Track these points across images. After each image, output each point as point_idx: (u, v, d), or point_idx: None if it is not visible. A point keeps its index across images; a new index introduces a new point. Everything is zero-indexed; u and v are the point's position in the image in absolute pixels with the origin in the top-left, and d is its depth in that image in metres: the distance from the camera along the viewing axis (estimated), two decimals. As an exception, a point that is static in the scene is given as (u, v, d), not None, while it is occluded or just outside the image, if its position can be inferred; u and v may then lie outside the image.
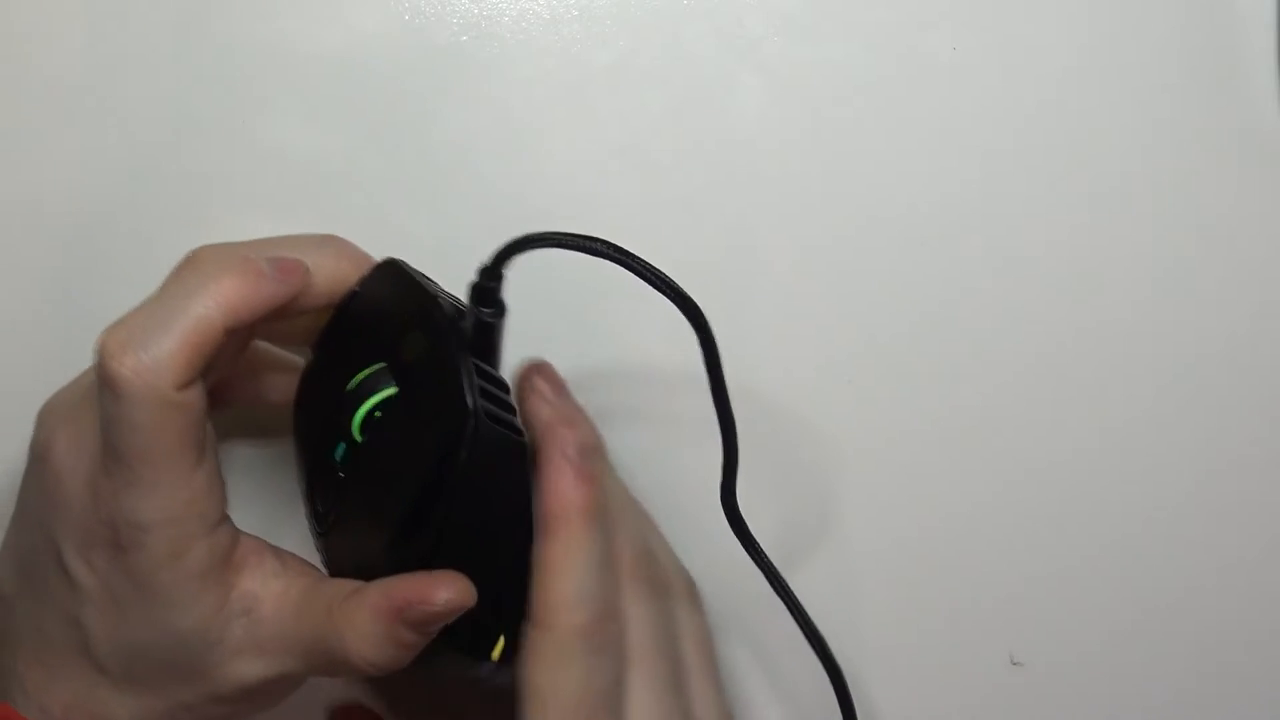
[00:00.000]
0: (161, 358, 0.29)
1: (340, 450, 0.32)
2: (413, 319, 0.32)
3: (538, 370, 0.33)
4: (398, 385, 0.31)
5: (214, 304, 0.30)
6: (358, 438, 0.31)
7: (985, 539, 0.39)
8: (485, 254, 0.38)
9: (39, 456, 0.32)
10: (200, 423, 0.30)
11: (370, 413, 0.31)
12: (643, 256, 0.31)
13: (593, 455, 0.32)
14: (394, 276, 0.33)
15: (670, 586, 0.34)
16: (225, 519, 0.32)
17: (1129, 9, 0.39)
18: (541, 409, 0.33)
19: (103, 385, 0.30)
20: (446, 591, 0.30)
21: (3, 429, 0.36)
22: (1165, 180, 0.39)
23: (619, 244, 0.31)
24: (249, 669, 0.31)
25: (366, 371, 0.32)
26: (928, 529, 0.39)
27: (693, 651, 0.34)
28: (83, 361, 0.33)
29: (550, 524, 0.31)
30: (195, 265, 0.31)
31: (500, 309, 0.32)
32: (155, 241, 0.39)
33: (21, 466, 0.33)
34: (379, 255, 0.39)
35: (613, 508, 0.33)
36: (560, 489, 0.31)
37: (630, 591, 0.32)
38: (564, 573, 0.31)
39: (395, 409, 0.31)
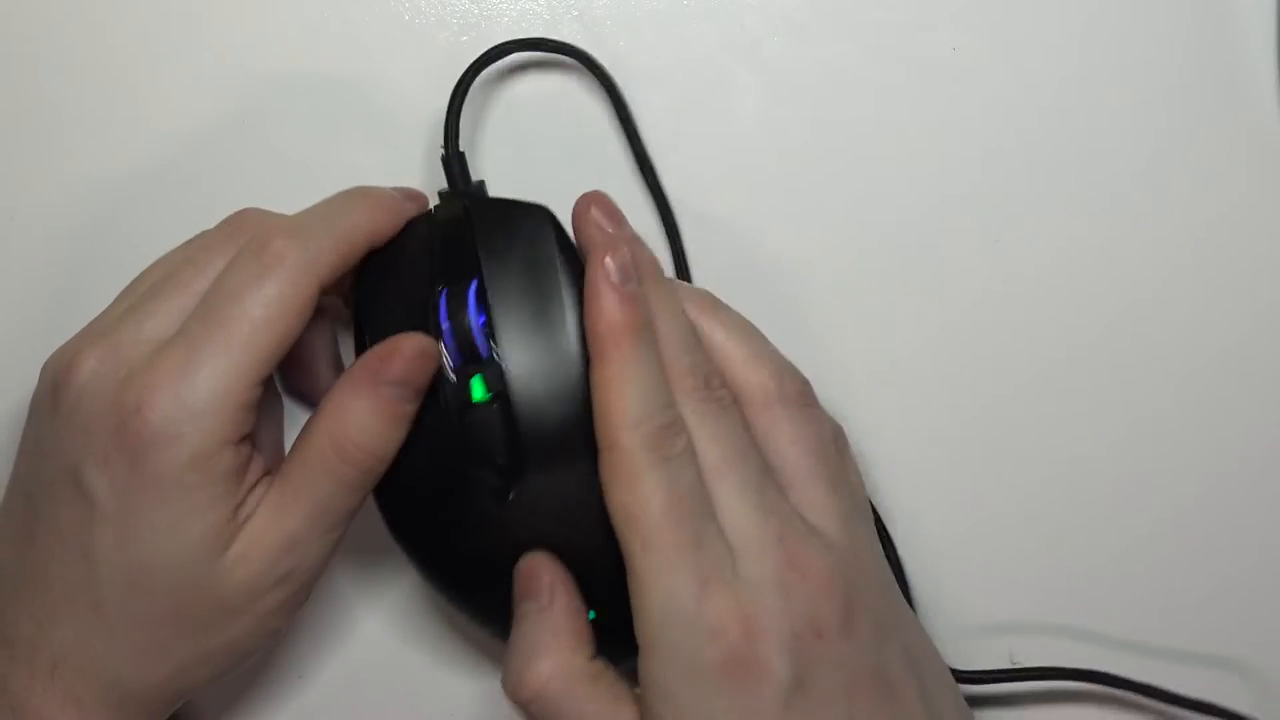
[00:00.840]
0: (323, 254, 0.32)
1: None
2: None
3: (593, 201, 0.34)
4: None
5: (364, 218, 0.33)
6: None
7: (985, 538, 0.39)
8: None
9: (59, 383, 0.32)
10: (295, 335, 0.32)
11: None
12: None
13: (634, 275, 0.32)
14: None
15: (746, 393, 0.33)
16: (250, 436, 0.32)
17: (1129, 9, 0.39)
18: (594, 235, 0.33)
19: (257, 258, 0.31)
20: (409, 341, 0.31)
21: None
22: (1166, 180, 0.39)
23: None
24: (254, 570, 0.31)
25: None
26: (927, 529, 0.39)
27: (795, 455, 0.33)
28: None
29: (597, 347, 0.32)
30: (339, 196, 0.34)
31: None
32: (156, 242, 0.39)
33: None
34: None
35: (666, 328, 0.33)
36: (600, 310, 0.32)
37: (691, 406, 0.32)
38: (616, 391, 0.31)
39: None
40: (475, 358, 0.32)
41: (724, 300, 0.34)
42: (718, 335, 0.34)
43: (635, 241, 0.33)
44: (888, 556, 0.36)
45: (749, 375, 0.33)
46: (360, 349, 0.33)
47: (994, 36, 0.39)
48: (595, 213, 0.33)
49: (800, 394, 0.33)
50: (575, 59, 0.38)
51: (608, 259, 0.32)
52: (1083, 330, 0.39)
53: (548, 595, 0.32)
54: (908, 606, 0.35)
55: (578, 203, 0.34)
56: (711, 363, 0.33)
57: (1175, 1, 0.39)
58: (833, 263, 0.39)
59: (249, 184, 0.39)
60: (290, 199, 0.38)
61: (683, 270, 0.38)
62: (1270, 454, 0.39)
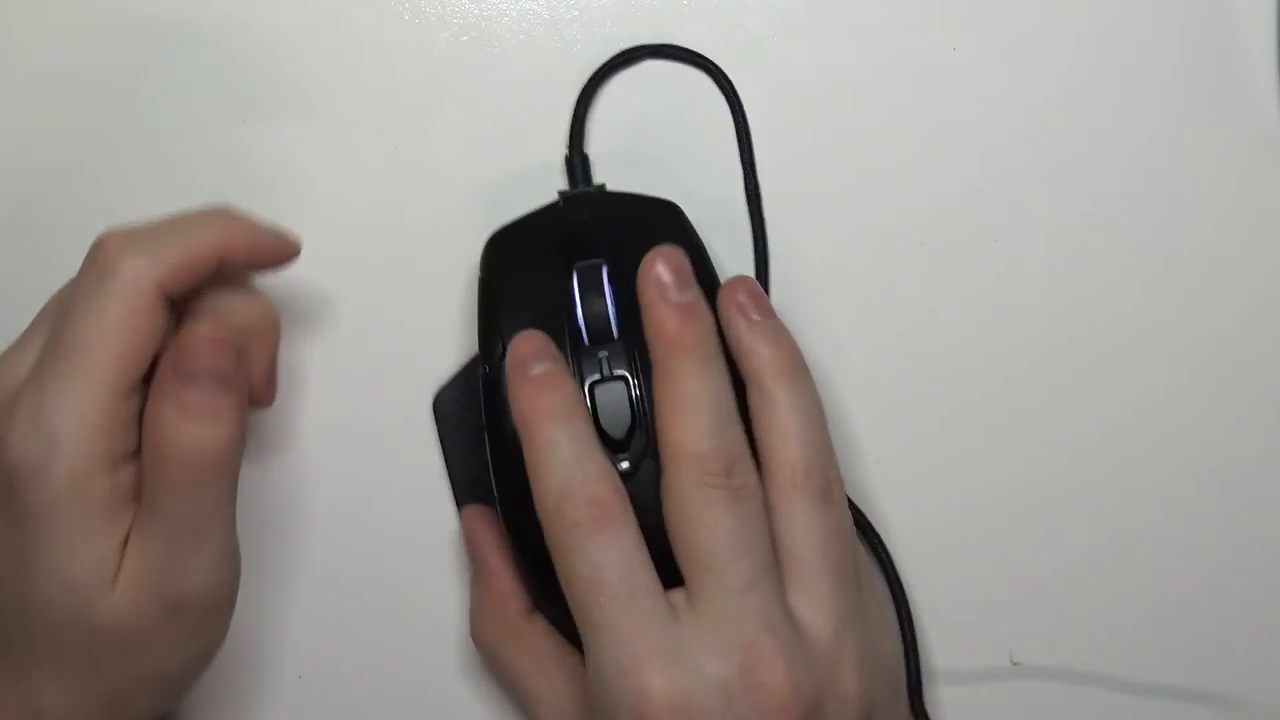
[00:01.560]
0: (160, 258, 0.30)
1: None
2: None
3: (660, 256, 0.33)
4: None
5: (213, 231, 0.32)
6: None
7: (986, 539, 0.39)
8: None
9: None
10: (156, 341, 0.30)
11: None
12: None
13: (691, 290, 0.33)
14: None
15: (776, 471, 0.32)
16: (136, 455, 0.30)
17: (1129, 9, 0.39)
18: (653, 298, 0.33)
19: (93, 271, 0.30)
20: (201, 330, 0.30)
21: None
22: (1165, 180, 0.39)
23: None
24: (138, 599, 0.30)
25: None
26: (927, 529, 0.39)
27: (804, 546, 0.32)
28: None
29: (659, 359, 0.32)
30: (197, 208, 0.32)
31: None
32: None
33: None
34: (377, 254, 0.39)
35: (701, 399, 0.32)
36: (656, 321, 0.32)
37: (701, 492, 0.31)
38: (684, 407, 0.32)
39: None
40: (605, 336, 0.33)
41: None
42: (780, 402, 0.33)
43: (697, 305, 0.33)
44: (887, 576, 0.36)
45: (786, 453, 0.32)
46: (487, 330, 0.34)
47: (994, 36, 0.39)
48: (660, 269, 0.33)
49: (826, 489, 0.32)
50: (701, 69, 0.38)
51: (659, 265, 0.33)
52: (1082, 330, 0.39)
53: (484, 563, 0.35)
54: (903, 714, 0.34)
55: (645, 258, 0.33)
56: (741, 445, 0.32)
57: (1175, 1, 0.39)
58: (832, 262, 0.39)
59: (249, 184, 0.39)
60: (290, 198, 0.38)
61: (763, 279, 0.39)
62: (1271, 453, 0.39)
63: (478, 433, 0.35)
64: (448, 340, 0.38)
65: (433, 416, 0.38)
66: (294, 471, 0.38)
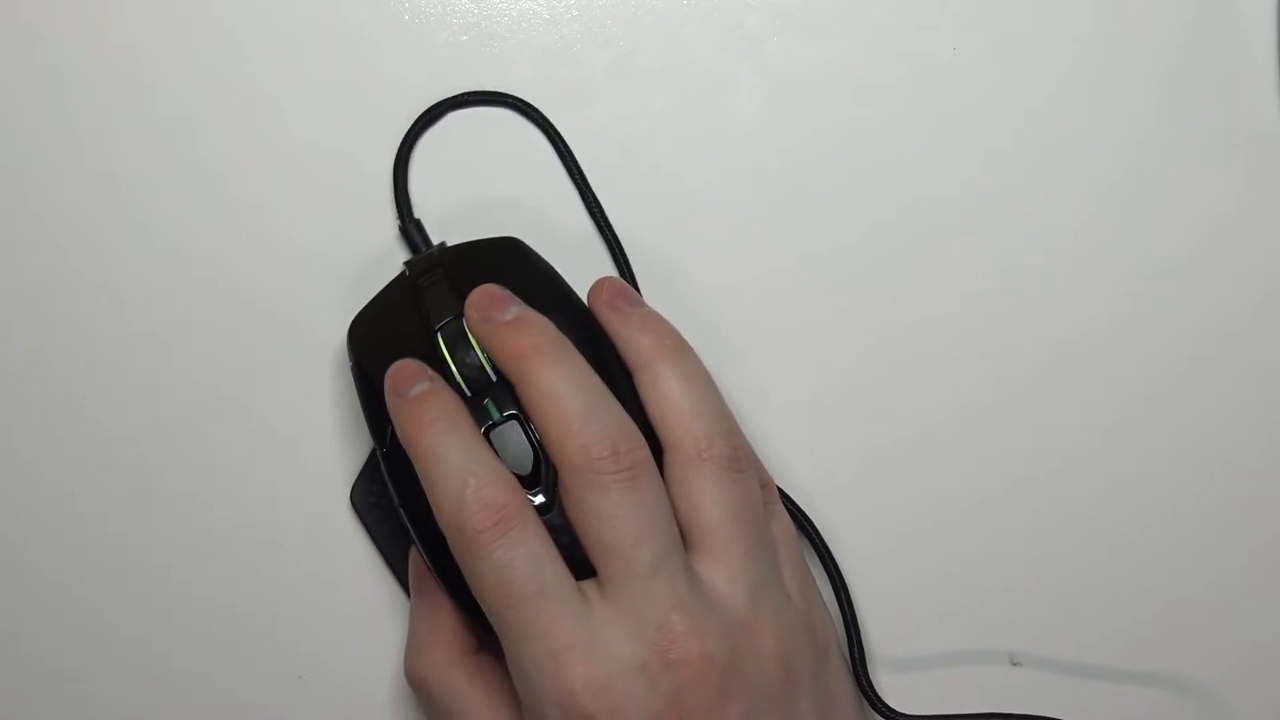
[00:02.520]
0: None
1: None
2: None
3: (605, 286, 0.35)
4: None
5: None
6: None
7: (985, 539, 0.39)
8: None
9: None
10: None
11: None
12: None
13: (515, 307, 0.33)
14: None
15: (680, 446, 0.33)
16: None
17: (1129, 9, 0.39)
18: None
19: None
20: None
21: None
22: (1165, 180, 0.39)
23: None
24: None
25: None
26: (927, 528, 0.39)
27: (714, 518, 0.32)
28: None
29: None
30: None
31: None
32: (156, 239, 0.39)
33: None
34: (376, 253, 0.39)
35: (565, 388, 0.33)
36: (497, 343, 0.33)
37: (587, 479, 0.31)
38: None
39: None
40: (484, 384, 0.33)
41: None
42: (669, 381, 0.33)
43: (524, 315, 0.33)
44: (830, 572, 0.36)
45: (687, 428, 0.33)
46: (372, 414, 0.34)
47: (994, 36, 0.39)
48: (477, 306, 0.33)
49: (732, 456, 0.33)
50: (511, 108, 0.38)
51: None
52: (1082, 329, 0.39)
53: (429, 595, 0.34)
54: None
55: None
56: (620, 419, 0.32)
57: (1175, 1, 0.39)
58: (831, 262, 0.39)
59: (248, 183, 0.39)
60: (290, 198, 0.38)
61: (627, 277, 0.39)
62: (1271, 453, 0.39)
63: (389, 510, 0.35)
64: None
65: (353, 512, 0.38)
66: (294, 471, 0.38)
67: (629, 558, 0.31)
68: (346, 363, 0.35)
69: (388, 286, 0.36)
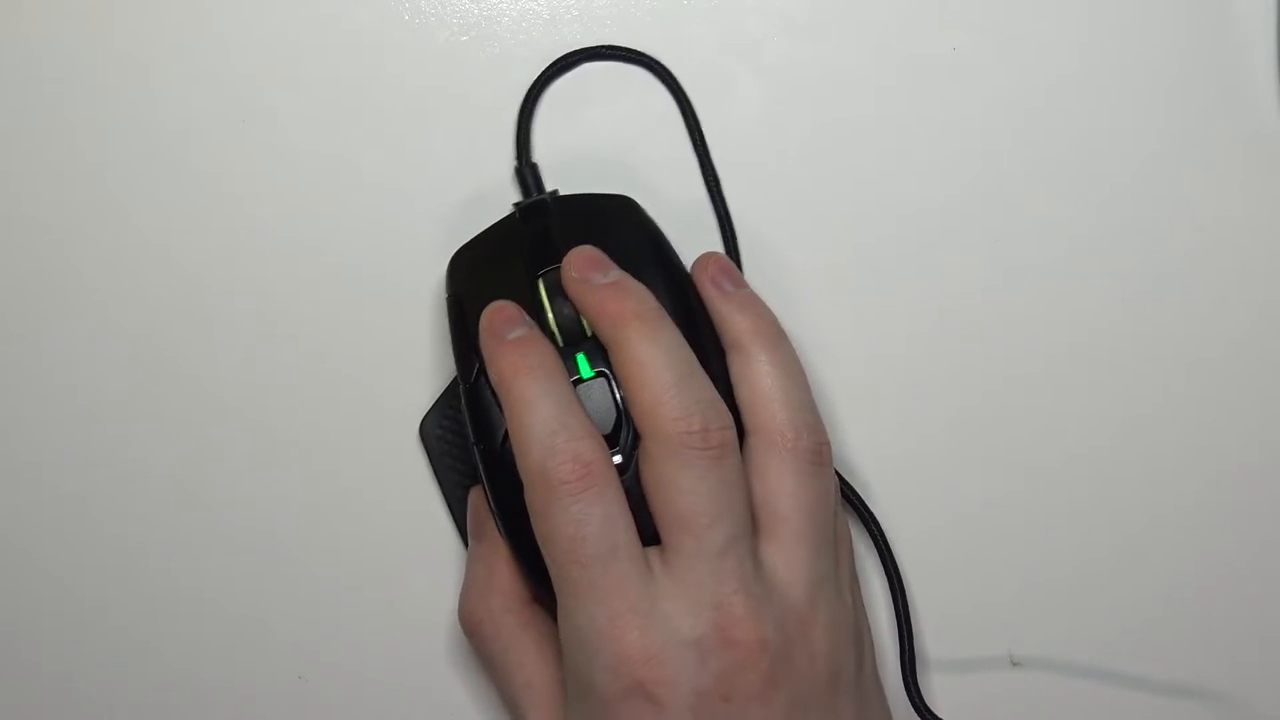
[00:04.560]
0: None
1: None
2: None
3: (710, 261, 0.35)
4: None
5: None
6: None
7: (985, 539, 0.39)
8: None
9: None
10: None
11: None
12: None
13: (614, 271, 0.33)
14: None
15: (765, 432, 0.33)
16: None
17: (1129, 9, 0.39)
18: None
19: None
20: None
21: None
22: (1165, 180, 0.39)
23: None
24: None
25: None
26: (927, 528, 0.39)
27: (789, 509, 0.32)
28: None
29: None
30: None
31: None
32: (156, 238, 0.39)
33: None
34: (375, 253, 0.39)
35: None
36: (595, 305, 0.33)
37: (672, 450, 0.32)
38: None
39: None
40: (579, 337, 0.33)
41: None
42: (763, 366, 0.33)
43: (622, 280, 0.33)
44: (888, 572, 0.36)
45: (774, 415, 0.33)
46: (462, 349, 0.34)
47: (994, 36, 0.39)
48: (576, 266, 0.33)
49: (816, 451, 0.33)
50: (643, 66, 0.38)
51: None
52: (1082, 330, 0.39)
53: (489, 540, 0.34)
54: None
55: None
56: (710, 394, 0.32)
57: (1175, 2, 0.39)
58: (832, 262, 0.39)
59: (248, 183, 0.39)
60: (290, 198, 0.38)
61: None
62: (1272, 454, 0.39)
63: (467, 452, 0.35)
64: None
65: (420, 444, 0.38)
66: (293, 473, 0.38)
67: (701, 535, 0.31)
68: (442, 294, 0.35)
69: (495, 225, 0.36)
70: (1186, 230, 0.39)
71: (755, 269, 0.39)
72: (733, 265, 0.35)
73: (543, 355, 0.32)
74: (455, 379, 0.34)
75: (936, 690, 0.38)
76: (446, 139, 0.39)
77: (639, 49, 0.38)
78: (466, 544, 0.36)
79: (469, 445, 0.34)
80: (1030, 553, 0.39)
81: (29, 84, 0.39)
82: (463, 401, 0.34)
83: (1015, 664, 0.38)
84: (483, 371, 0.33)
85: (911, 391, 0.39)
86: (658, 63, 0.38)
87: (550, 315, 0.33)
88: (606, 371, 0.33)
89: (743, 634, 0.30)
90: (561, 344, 0.33)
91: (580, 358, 0.33)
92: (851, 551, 0.36)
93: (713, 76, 0.39)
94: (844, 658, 0.32)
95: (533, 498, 0.31)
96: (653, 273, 0.34)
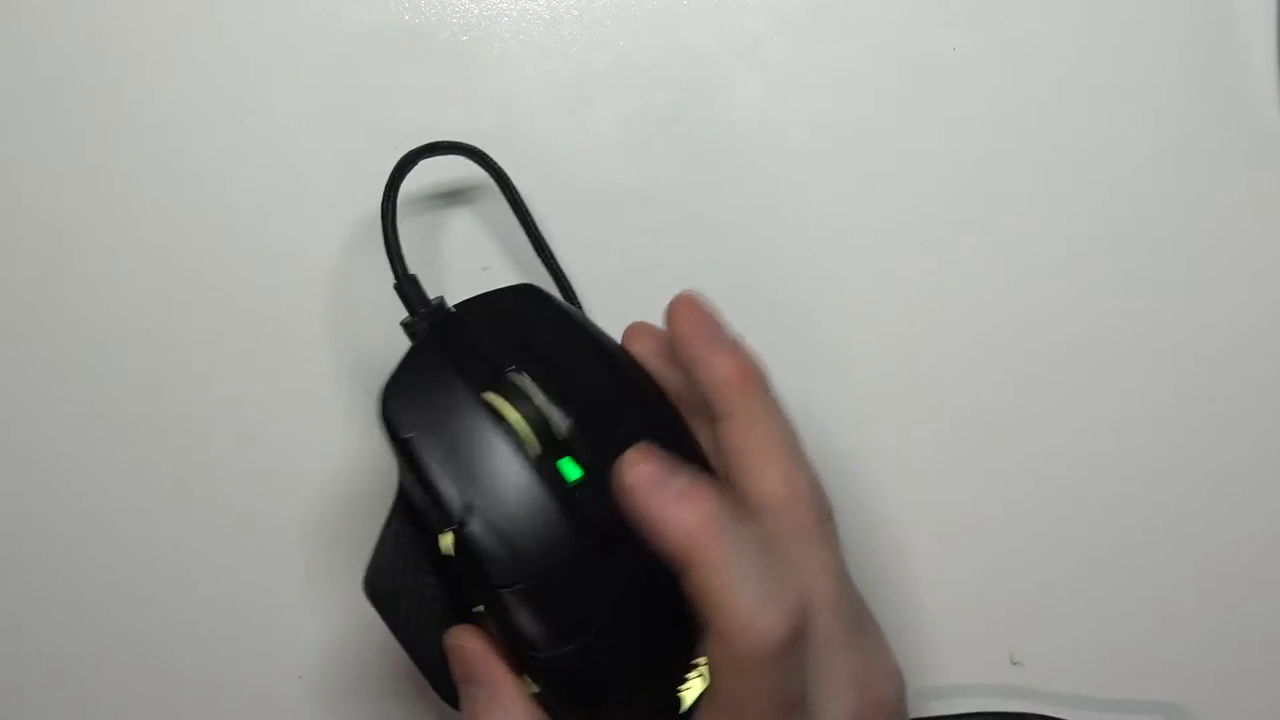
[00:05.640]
0: None
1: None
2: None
3: (684, 303, 0.32)
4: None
5: None
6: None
7: (986, 539, 0.39)
8: (484, 255, 0.38)
9: None
10: None
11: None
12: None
13: (728, 332, 0.31)
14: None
15: (784, 514, 0.31)
16: None
17: (1129, 9, 0.39)
18: (693, 348, 0.31)
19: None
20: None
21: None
22: (1165, 180, 0.39)
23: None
24: None
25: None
26: (927, 528, 0.39)
27: (824, 585, 0.31)
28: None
29: (734, 409, 0.30)
30: None
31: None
32: (156, 238, 0.39)
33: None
34: (374, 254, 0.39)
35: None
36: (720, 369, 0.31)
37: (803, 538, 0.30)
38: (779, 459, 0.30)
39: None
40: (554, 442, 0.31)
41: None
42: (759, 424, 0.31)
43: (741, 345, 0.31)
44: None
45: (794, 485, 0.31)
46: (433, 492, 0.30)
47: (994, 36, 0.39)
48: (689, 318, 0.31)
49: (829, 515, 0.31)
50: (468, 157, 0.37)
51: (688, 302, 0.31)
52: (1082, 330, 0.39)
53: (488, 680, 0.31)
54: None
55: (668, 312, 0.32)
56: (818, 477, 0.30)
57: (1175, 2, 0.39)
58: (831, 263, 0.39)
59: (249, 183, 0.39)
60: (290, 198, 0.38)
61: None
62: (1274, 456, 0.39)
63: (419, 596, 0.32)
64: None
65: (369, 599, 0.33)
66: (293, 473, 0.39)
67: (836, 612, 0.30)
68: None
69: (409, 353, 0.33)
70: (1187, 230, 0.39)
71: (755, 270, 0.39)
72: (707, 311, 0.32)
73: (716, 500, 0.28)
74: (386, 530, 0.32)
75: (936, 690, 0.38)
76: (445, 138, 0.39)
77: (455, 140, 0.36)
78: (444, 696, 0.33)
79: (419, 588, 0.32)
80: (1031, 553, 0.39)
81: (29, 83, 0.39)
82: (455, 548, 0.30)
83: (1015, 664, 0.38)
84: (470, 509, 0.30)
85: (912, 392, 0.39)
86: (472, 149, 0.36)
87: (516, 423, 0.31)
88: (595, 466, 0.30)
89: (881, 694, 0.30)
90: (540, 449, 0.31)
91: (567, 462, 0.30)
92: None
93: (713, 76, 0.39)
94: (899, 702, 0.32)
95: (736, 665, 0.28)
96: (587, 353, 0.32)
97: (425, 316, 0.33)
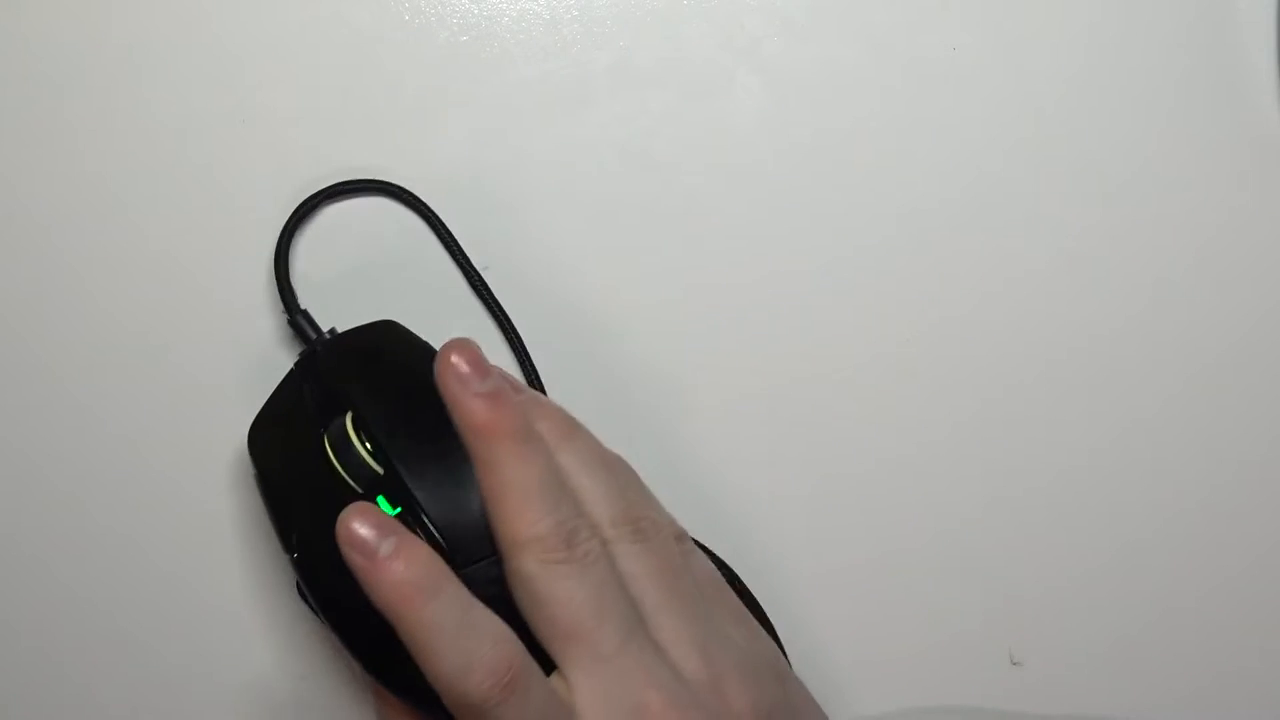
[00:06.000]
0: None
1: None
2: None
3: (453, 350, 0.32)
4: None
5: None
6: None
7: (986, 538, 0.39)
8: (484, 255, 0.38)
9: None
10: None
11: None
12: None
13: (491, 379, 0.31)
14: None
15: (661, 530, 0.32)
16: None
17: (1130, 9, 0.39)
18: (450, 384, 0.32)
19: None
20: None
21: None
22: (1165, 180, 0.39)
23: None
24: None
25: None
26: (927, 528, 0.39)
27: (651, 589, 0.32)
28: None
29: (477, 453, 0.31)
30: None
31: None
32: (156, 238, 0.39)
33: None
34: (373, 254, 0.39)
35: (554, 436, 0.32)
36: (465, 415, 0.31)
37: (614, 532, 0.31)
38: (506, 492, 0.31)
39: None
40: (374, 478, 0.32)
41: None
42: (564, 463, 0.32)
43: (501, 391, 0.31)
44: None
45: (599, 510, 0.32)
46: (280, 523, 0.33)
47: (994, 36, 0.39)
48: (455, 363, 0.31)
49: (636, 529, 0.32)
50: (383, 194, 0.38)
51: (455, 365, 0.31)
52: (1082, 331, 0.39)
53: (385, 696, 0.33)
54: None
55: (439, 355, 0.32)
56: (575, 513, 0.31)
57: (1175, 2, 0.39)
58: (831, 263, 0.39)
59: (249, 183, 0.39)
60: (290, 198, 0.38)
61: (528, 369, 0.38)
62: (1273, 456, 0.39)
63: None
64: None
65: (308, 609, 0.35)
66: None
67: (593, 640, 0.30)
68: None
69: (279, 386, 0.35)
70: (1187, 230, 0.39)
71: (754, 270, 0.39)
72: (479, 353, 0.32)
73: (423, 565, 0.30)
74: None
75: (935, 690, 0.38)
76: (446, 139, 0.39)
77: (372, 178, 0.38)
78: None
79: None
80: (1030, 552, 0.39)
81: (28, 83, 0.39)
82: (295, 575, 0.33)
83: (1015, 664, 0.38)
84: (302, 542, 0.32)
85: (912, 391, 0.39)
86: (394, 186, 0.38)
87: (340, 470, 0.32)
88: (412, 503, 0.31)
89: None
90: (360, 491, 0.32)
91: (380, 500, 0.32)
92: (724, 586, 0.35)
93: (713, 76, 0.39)
94: (767, 696, 0.32)
95: (459, 714, 0.30)
96: (427, 388, 0.32)
97: (307, 350, 0.36)
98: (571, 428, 0.33)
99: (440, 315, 0.38)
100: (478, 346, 0.32)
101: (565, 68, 0.39)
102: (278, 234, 0.38)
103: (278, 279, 0.37)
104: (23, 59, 0.39)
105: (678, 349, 0.38)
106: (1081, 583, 0.39)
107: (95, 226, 0.39)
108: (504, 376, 0.33)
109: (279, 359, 0.38)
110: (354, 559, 0.29)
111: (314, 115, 0.39)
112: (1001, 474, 0.39)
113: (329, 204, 0.38)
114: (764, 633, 0.35)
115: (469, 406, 0.31)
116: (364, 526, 0.29)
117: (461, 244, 0.38)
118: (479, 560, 0.31)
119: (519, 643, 0.30)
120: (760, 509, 0.38)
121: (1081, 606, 0.39)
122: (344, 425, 0.33)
